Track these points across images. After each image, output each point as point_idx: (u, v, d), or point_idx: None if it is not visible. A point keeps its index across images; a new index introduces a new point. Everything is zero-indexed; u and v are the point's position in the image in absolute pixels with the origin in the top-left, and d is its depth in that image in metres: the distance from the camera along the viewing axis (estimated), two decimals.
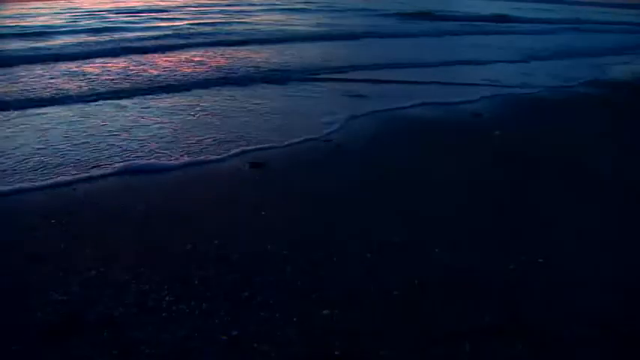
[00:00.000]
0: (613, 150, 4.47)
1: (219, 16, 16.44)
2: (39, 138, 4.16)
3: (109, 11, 16.26)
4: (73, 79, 6.45)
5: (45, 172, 3.49)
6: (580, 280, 2.39)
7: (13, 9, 15.61)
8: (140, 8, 17.25)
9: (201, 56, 8.56)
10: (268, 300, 2.15)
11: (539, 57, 10.21)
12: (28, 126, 4.51)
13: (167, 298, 2.14)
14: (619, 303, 2.23)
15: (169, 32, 11.42)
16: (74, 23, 12.72)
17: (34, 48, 8.50)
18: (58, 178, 3.40)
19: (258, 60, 8.20)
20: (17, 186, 3.26)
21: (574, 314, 2.12)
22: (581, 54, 10.99)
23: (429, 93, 6.37)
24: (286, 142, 4.29)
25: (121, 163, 3.68)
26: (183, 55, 8.62)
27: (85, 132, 4.39)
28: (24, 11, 15.08)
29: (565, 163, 4.05)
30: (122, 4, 18.11)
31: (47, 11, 15.17)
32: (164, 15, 15.84)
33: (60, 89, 5.88)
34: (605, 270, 2.50)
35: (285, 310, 2.08)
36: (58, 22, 12.73)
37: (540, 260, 2.54)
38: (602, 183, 3.66)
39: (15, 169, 3.51)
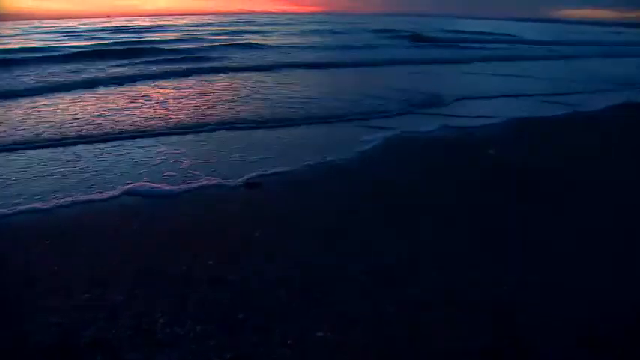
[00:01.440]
0: None
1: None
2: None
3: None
4: None
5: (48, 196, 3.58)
6: (575, 299, 2.38)
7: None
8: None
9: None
10: (263, 321, 2.15)
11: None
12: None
13: (162, 320, 2.14)
14: (618, 322, 2.21)
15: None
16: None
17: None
18: (64, 200, 3.50)
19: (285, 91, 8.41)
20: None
21: (571, 334, 2.11)
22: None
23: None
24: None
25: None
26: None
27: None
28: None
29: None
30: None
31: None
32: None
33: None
34: (602, 288, 2.49)
35: (280, 331, 2.08)
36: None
37: (535, 278, 2.54)
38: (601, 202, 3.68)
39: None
